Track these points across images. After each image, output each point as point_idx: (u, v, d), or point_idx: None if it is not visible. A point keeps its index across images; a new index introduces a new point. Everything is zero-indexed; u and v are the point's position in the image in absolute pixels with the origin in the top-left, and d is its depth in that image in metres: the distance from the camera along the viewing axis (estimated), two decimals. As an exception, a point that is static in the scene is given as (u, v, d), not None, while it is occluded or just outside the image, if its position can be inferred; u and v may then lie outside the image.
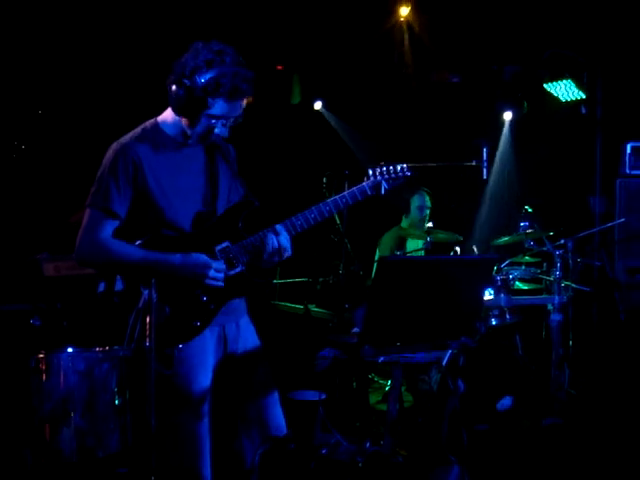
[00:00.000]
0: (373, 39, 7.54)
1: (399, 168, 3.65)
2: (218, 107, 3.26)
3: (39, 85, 6.45)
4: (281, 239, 3.38)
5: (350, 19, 7.21)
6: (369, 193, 3.59)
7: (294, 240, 3.47)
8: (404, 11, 7.42)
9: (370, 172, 3.61)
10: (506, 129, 8.64)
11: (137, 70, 6.51)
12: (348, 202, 3.55)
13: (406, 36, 7.55)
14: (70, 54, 6.46)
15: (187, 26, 6.38)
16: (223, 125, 3.34)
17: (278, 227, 3.41)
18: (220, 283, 3.33)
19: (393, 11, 7.46)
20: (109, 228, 3.29)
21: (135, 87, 6.42)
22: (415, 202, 7.15)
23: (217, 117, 3.29)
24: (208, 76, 3.20)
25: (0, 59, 6.15)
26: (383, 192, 3.59)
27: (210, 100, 3.24)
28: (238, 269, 3.40)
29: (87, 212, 3.33)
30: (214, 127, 3.32)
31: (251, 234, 3.43)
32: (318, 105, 8.48)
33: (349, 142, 8.51)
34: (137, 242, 3.28)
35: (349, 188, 5.65)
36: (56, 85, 6.54)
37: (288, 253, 3.42)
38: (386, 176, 3.61)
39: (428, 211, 7.16)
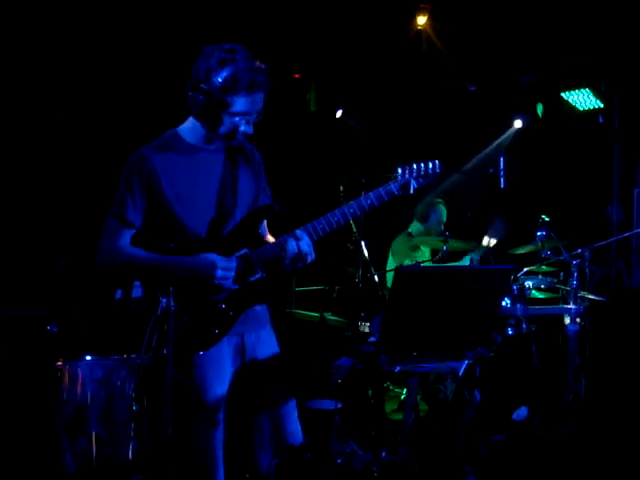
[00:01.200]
0: (390, 48, 7.54)
1: (430, 165, 3.41)
2: (239, 103, 3.26)
3: (67, 95, 6.49)
4: (302, 244, 3.32)
5: (367, 27, 7.21)
6: (396, 193, 3.39)
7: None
8: (421, 20, 7.42)
9: (399, 171, 3.40)
10: (511, 135, 8.60)
11: (163, 83, 6.54)
12: (374, 203, 3.36)
13: (423, 45, 7.54)
14: (95, 67, 6.51)
15: (205, 36, 6.40)
16: (247, 122, 3.33)
17: (299, 232, 3.35)
18: (229, 282, 3.30)
19: (410, 20, 7.46)
20: (125, 236, 3.33)
21: (160, 99, 6.45)
22: (435, 215, 7.16)
23: (239, 114, 3.28)
24: (224, 74, 3.21)
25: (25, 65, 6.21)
26: (412, 191, 3.37)
27: (229, 98, 3.24)
28: (257, 275, 3.37)
29: (106, 220, 3.38)
30: (238, 126, 3.32)
31: (271, 240, 3.42)
32: (339, 114, 8.48)
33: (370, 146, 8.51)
34: (155, 249, 3.31)
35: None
36: (85, 97, 6.58)
37: (312, 257, 3.35)
38: (415, 174, 3.40)
39: (444, 225, 7.21)
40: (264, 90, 3.30)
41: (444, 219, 7.23)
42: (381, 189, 3.39)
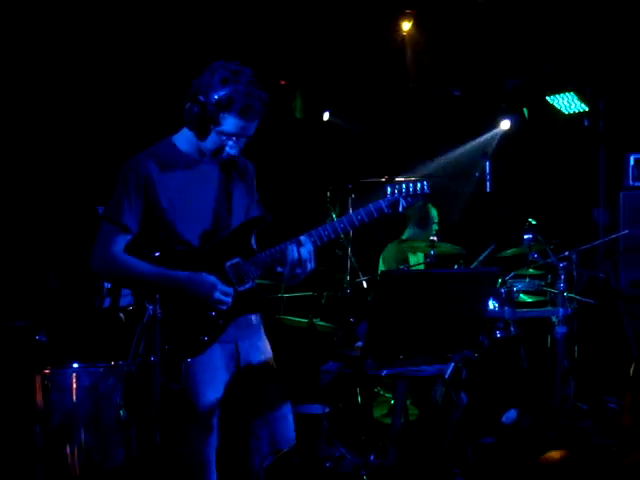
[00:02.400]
0: (375, 53, 7.57)
1: (418, 186, 3.50)
2: (229, 124, 3.29)
3: (63, 104, 6.49)
4: (302, 250, 3.35)
5: (353, 33, 7.24)
6: (386, 211, 3.45)
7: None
8: (406, 26, 7.45)
9: (388, 190, 3.47)
10: (497, 136, 8.65)
11: (155, 90, 6.56)
12: (364, 219, 3.43)
13: (408, 50, 7.57)
14: (92, 72, 6.52)
15: (193, 43, 6.43)
16: (234, 144, 3.35)
17: (302, 238, 3.38)
18: (225, 307, 3.32)
19: (395, 25, 7.49)
20: (121, 242, 3.33)
21: (155, 107, 6.46)
22: (429, 217, 7.21)
23: (227, 134, 3.32)
24: (222, 93, 3.24)
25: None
26: (401, 210, 3.46)
27: (221, 116, 3.27)
28: (248, 285, 3.38)
29: (100, 225, 3.38)
30: (224, 145, 3.35)
31: (262, 250, 3.43)
32: (326, 116, 8.50)
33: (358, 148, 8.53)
34: (149, 257, 3.31)
35: (352, 202, 5.79)
36: (80, 106, 6.59)
37: (311, 265, 3.38)
38: (404, 194, 3.48)
39: (436, 227, 7.25)
40: (257, 118, 3.33)
41: (436, 224, 7.28)
42: (371, 206, 3.45)
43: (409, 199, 3.49)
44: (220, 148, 3.37)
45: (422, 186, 3.51)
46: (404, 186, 3.49)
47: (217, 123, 3.30)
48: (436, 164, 8.68)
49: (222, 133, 3.32)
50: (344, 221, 3.44)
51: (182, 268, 3.31)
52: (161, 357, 3.11)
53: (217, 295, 3.29)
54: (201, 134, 3.35)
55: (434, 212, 7.30)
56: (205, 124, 3.31)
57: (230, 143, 3.36)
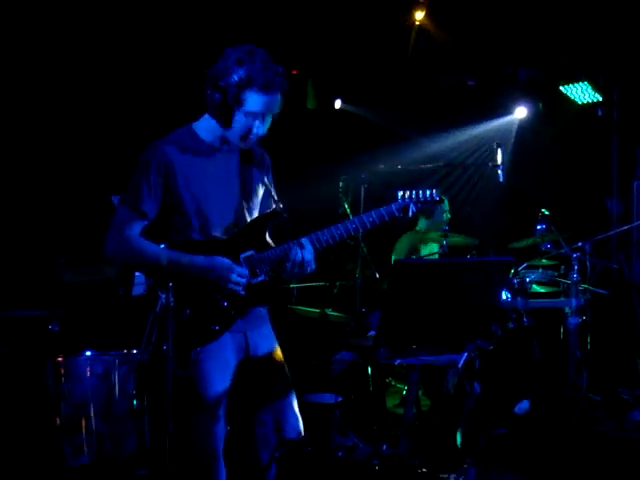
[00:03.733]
0: (388, 43, 7.55)
1: (428, 193, 3.59)
2: (252, 102, 3.29)
3: (65, 91, 6.50)
4: (305, 253, 3.38)
5: (365, 23, 7.22)
6: (396, 215, 3.53)
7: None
8: (419, 15, 7.42)
9: (399, 195, 3.55)
10: (516, 126, 8.62)
11: (168, 80, 6.56)
12: (375, 222, 3.50)
13: (421, 39, 7.54)
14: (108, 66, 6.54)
15: (205, 34, 6.42)
16: (260, 123, 3.35)
17: (304, 240, 3.40)
18: (240, 288, 3.34)
19: (408, 15, 7.46)
20: (137, 227, 3.34)
21: (170, 97, 6.46)
22: (440, 207, 7.19)
23: (253, 113, 3.31)
24: (240, 73, 3.25)
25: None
26: (410, 215, 3.54)
27: (243, 96, 3.28)
28: (260, 278, 3.40)
29: (117, 209, 3.39)
30: (252, 126, 3.35)
31: (276, 245, 3.44)
32: (338, 104, 8.49)
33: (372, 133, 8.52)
34: (164, 244, 3.32)
35: (365, 192, 5.78)
36: (96, 97, 6.60)
37: (312, 267, 3.42)
38: (415, 199, 3.56)
39: (449, 215, 7.24)
40: (279, 91, 3.33)
41: (448, 213, 7.25)
42: (382, 209, 3.53)
43: (419, 205, 3.58)
44: (248, 130, 3.36)
45: (432, 193, 3.61)
46: (414, 193, 3.58)
47: (241, 103, 3.30)
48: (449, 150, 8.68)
49: (247, 113, 3.32)
50: (356, 222, 3.48)
51: (197, 255, 3.32)
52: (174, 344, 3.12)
53: (234, 277, 3.31)
54: (226, 120, 3.34)
55: (446, 203, 7.28)
56: (228, 107, 3.31)
57: (257, 123, 3.35)
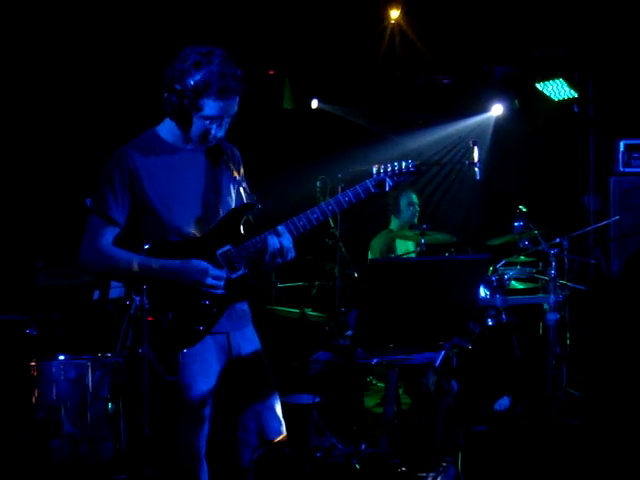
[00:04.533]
0: (364, 42, 7.55)
1: (404, 165, 3.49)
2: (209, 107, 3.27)
3: (51, 98, 6.47)
4: (283, 240, 3.35)
5: (341, 22, 7.22)
6: (373, 191, 3.46)
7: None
8: (394, 14, 7.42)
9: (374, 169, 3.48)
10: (492, 124, 8.65)
11: (138, 79, 6.53)
12: (352, 200, 3.43)
13: (397, 38, 7.55)
14: (74, 63, 6.50)
15: (177, 33, 6.40)
16: (219, 126, 3.35)
17: (280, 228, 3.38)
18: (219, 290, 3.32)
19: (383, 13, 7.47)
20: (109, 235, 3.33)
21: (138, 97, 6.43)
22: (404, 200, 7.21)
23: (210, 118, 3.30)
24: (197, 77, 3.22)
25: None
26: (387, 189, 3.46)
27: (200, 101, 3.26)
28: (240, 272, 3.38)
29: (88, 219, 3.37)
30: (210, 129, 3.34)
31: (252, 236, 3.41)
32: (315, 104, 8.49)
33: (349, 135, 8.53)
34: (140, 249, 3.29)
35: (342, 190, 5.77)
36: (68, 100, 6.56)
37: (292, 254, 3.39)
38: (390, 173, 3.48)
39: (418, 208, 7.25)
40: (236, 95, 3.31)
41: (417, 206, 7.28)
42: (358, 186, 3.46)
43: (395, 178, 3.49)
44: (206, 132, 3.35)
45: (407, 164, 3.51)
46: (389, 165, 3.49)
47: (198, 109, 3.28)
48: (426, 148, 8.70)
49: (205, 117, 3.30)
50: (332, 203, 3.43)
51: (173, 258, 3.30)
52: (156, 349, 3.10)
53: (209, 280, 3.29)
54: (184, 122, 3.34)
55: (413, 196, 7.30)
56: (186, 112, 3.29)
57: (214, 126, 3.34)
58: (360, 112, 8.62)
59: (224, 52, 3.31)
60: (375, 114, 8.61)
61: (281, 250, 3.35)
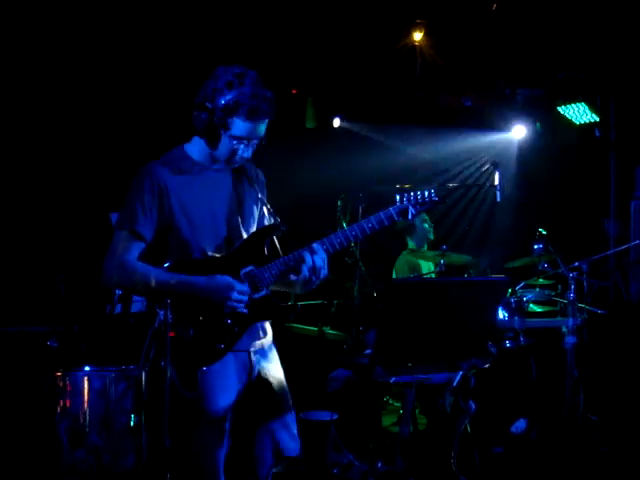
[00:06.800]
0: (387, 63, 7.60)
1: (426, 194, 3.50)
2: (238, 128, 3.30)
3: (78, 112, 6.54)
4: (316, 258, 3.35)
5: (364, 43, 7.27)
6: (396, 219, 3.46)
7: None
8: (417, 36, 7.48)
9: (397, 197, 3.47)
10: (514, 145, 8.68)
11: (168, 98, 6.60)
12: (375, 227, 3.43)
13: (419, 60, 7.60)
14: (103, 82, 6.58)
15: (205, 53, 6.47)
16: (246, 147, 3.36)
17: (315, 246, 3.39)
18: (242, 306, 3.33)
19: (406, 35, 7.53)
20: (135, 250, 3.33)
21: (167, 115, 6.50)
22: (418, 219, 7.24)
23: (238, 138, 3.32)
24: (228, 97, 3.25)
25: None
26: (410, 217, 3.46)
27: (230, 120, 3.28)
28: (263, 292, 3.38)
29: (114, 234, 3.38)
30: (237, 149, 3.35)
31: (277, 257, 3.42)
32: (337, 122, 8.54)
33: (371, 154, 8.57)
34: (163, 265, 3.31)
35: (363, 211, 5.81)
36: (95, 114, 6.63)
37: (325, 272, 3.38)
38: (413, 201, 3.48)
39: (432, 223, 7.28)
40: (266, 118, 3.33)
41: (430, 223, 7.30)
42: (382, 214, 3.46)
43: (418, 207, 3.49)
44: (233, 152, 3.37)
45: (430, 194, 3.51)
46: (412, 194, 3.49)
47: (227, 128, 3.31)
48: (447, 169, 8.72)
49: (233, 137, 3.33)
50: (355, 228, 3.43)
51: (196, 275, 3.30)
52: (176, 364, 3.12)
53: (235, 295, 3.29)
54: (212, 141, 3.36)
55: (425, 215, 7.31)
56: (215, 130, 3.32)
57: (242, 147, 3.36)
58: (382, 129, 8.65)
59: (257, 75, 3.33)
60: (396, 132, 8.65)
61: (313, 268, 3.35)
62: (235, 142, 3.34)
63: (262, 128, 3.36)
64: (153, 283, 3.29)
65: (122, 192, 3.46)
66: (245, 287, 3.34)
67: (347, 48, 7.30)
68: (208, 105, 3.29)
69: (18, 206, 6.27)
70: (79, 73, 6.46)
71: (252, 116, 3.28)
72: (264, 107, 3.29)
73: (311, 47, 7.25)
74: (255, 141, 3.39)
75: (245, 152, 3.38)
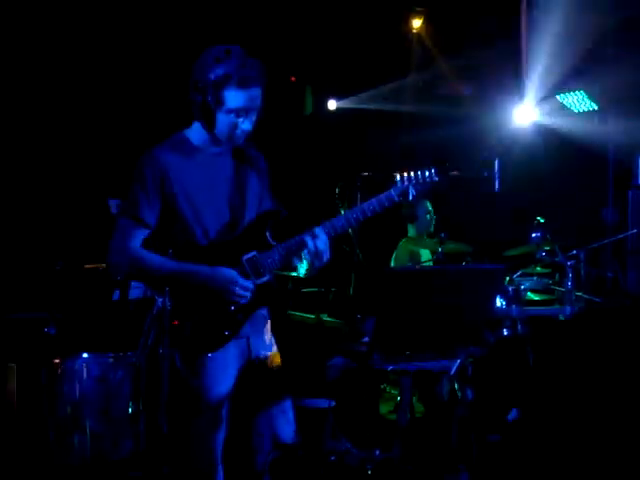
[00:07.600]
0: (385, 51, 7.59)
1: (427, 173, 3.49)
2: (232, 99, 3.28)
3: (77, 98, 6.54)
4: (318, 242, 3.36)
5: (363, 31, 7.26)
6: (396, 200, 3.46)
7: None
8: (416, 23, 7.46)
9: (397, 178, 3.47)
10: (512, 134, 8.67)
11: (166, 84, 6.59)
12: (375, 209, 3.43)
13: (418, 47, 7.59)
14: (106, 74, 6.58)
15: (203, 41, 6.45)
16: (245, 119, 3.33)
17: (317, 230, 3.39)
18: (244, 300, 3.34)
19: (406, 23, 7.51)
20: (139, 237, 3.33)
21: (166, 101, 6.49)
22: (421, 209, 7.24)
23: (235, 110, 3.29)
24: (218, 71, 3.24)
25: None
26: (411, 198, 3.46)
27: (223, 94, 3.26)
28: (265, 278, 3.40)
29: (117, 221, 3.38)
30: (236, 123, 3.33)
31: (279, 242, 3.43)
32: (332, 104, 8.50)
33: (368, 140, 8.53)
34: (167, 252, 3.31)
35: (361, 197, 5.80)
36: (94, 100, 6.63)
37: (327, 256, 3.39)
38: (413, 181, 3.47)
39: (434, 215, 7.28)
40: (258, 85, 3.31)
41: (432, 214, 7.31)
42: (382, 195, 3.46)
43: (418, 187, 3.49)
44: (233, 127, 3.34)
45: (430, 174, 3.51)
46: (412, 174, 3.49)
47: (221, 102, 3.29)
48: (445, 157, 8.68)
49: (230, 111, 3.30)
50: (356, 211, 3.44)
51: (199, 262, 3.32)
52: (179, 351, 3.13)
53: (237, 290, 3.31)
54: (210, 121, 3.33)
55: (428, 204, 7.32)
56: (211, 109, 3.30)
57: (241, 119, 3.33)
58: (379, 114, 8.61)
59: (241, 48, 3.33)
60: (394, 117, 8.62)
61: (316, 252, 3.35)
62: (232, 115, 3.31)
63: (256, 97, 3.33)
64: (157, 270, 3.30)
65: (121, 179, 3.46)
66: (248, 282, 3.35)
67: (346, 36, 7.29)
68: (199, 84, 3.28)
69: (17, 193, 6.27)
70: (78, 61, 6.46)
71: (243, 84, 3.26)
72: (253, 74, 3.28)
73: (309, 34, 7.23)
74: (253, 113, 3.36)
75: (245, 124, 3.35)
